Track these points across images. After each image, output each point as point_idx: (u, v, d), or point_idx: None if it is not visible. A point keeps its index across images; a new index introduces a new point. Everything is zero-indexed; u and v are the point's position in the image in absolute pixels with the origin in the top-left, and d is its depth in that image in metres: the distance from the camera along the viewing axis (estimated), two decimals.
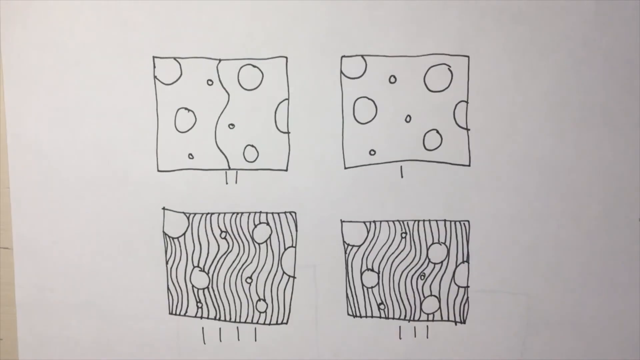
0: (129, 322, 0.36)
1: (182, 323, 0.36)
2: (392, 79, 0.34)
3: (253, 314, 0.36)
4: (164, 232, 0.35)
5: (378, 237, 0.36)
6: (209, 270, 0.36)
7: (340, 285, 0.36)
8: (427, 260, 0.36)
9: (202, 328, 0.36)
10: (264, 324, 0.36)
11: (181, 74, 0.34)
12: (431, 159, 0.35)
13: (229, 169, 0.35)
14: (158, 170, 0.35)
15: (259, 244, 0.36)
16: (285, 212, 0.35)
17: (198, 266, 0.36)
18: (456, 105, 0.35)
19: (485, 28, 0.34)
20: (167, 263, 0.35)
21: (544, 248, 0.35)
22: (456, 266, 0.36)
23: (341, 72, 0.34)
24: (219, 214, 0.35)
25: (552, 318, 0.36)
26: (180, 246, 0.35)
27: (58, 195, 0.35)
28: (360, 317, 0.36)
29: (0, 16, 0.34)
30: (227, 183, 0.35)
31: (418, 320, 0.36)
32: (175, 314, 0.36)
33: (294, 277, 0.36)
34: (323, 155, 0.35)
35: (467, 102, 0.35)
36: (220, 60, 0.34)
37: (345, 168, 0.35)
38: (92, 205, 0.35)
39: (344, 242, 0.36)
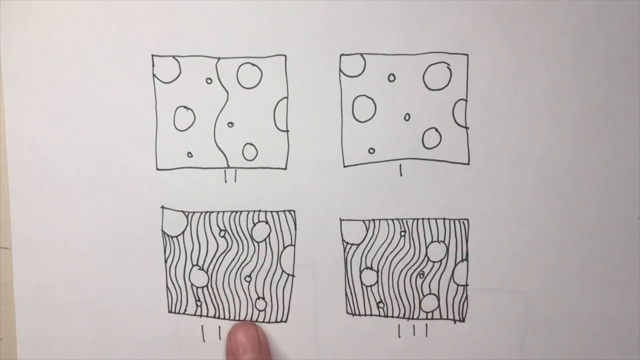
0: (128, 320, 0.36)
1: (181, 321, 0.36)
2: (391, 77, 0.34)
3: (252, 312, 0.36)
4: (162, 230, 0.35)
5: (377, 235, 0.36)
6: (208, 268, 0.36)
7: (340, 284, 0.36)
8: (426, 258, 0.36)
9: (202, 326, 0.36)
10: (263, 322, 0.36)
11: (180, 73, 0.34)
12: (430, 157, 0.35)
13: (228, 167, 0.35)
14: (157, 169, 0.35)
15: (258, 242, 0.36)
16: (284, 211, 0.35)
17: (197, 265, 0.36)
18: (455, 103, 0.35)
19: (484, 26, 0.34)
20: (166, 262, 0.35)
21: (543, 246, 0.35)
22: (455, 264, 0.36)
23: (340, 70, 0.34)
24: (218, 212, 0.35)
25: (551, 316, 0.36)
26: (179, 245, 0.35)
27: (57, 194, 0.35)
28: (359, 315, 0.36)
29: (0, 15, 0.34)
30: (226, 181, 0.35)
31: (417, 318, 0.36)
32: (175, 313, 0.36)
33: (293, 276, 0.36)
34: (322, 153, 0.35)
35: (466, 100, 0.35)
36: (219, 58, 0.34)
37: (345, 166, 0.35)
38: (91, 204, 0.35)
39: (343, 240, 0.36)
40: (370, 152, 0.35)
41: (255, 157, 0.35)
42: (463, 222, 0.35)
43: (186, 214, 0.35)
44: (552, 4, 0.34)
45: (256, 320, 0.36)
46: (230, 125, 0.35)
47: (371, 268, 0.36)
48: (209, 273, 0.36)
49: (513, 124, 0.35)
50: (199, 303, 0.36)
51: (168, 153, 0.35)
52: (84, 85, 0.34)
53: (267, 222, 0.35)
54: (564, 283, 0.36)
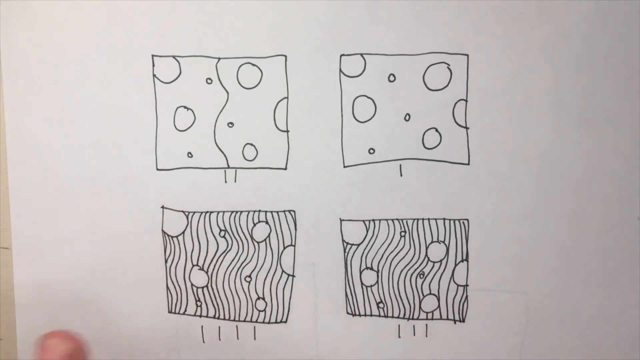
0: (128, 320, 0.36)
1: (181, 322, 0.36)
2: (392, 78, 0.34)
3: (252, 312, 0.36)
4: (163, 230, 0.35)
5: (377, 235, 0.36)
6: (208, 268, 0.36)
7: (340, 284, 0.36)
8: (426, 258, 0.36)
9: (202, 327, 0.36)
10: (263, 322, 0.36)
11: (180, 73, 0.34)
12: (430, 157, 0.35)
13: (228, 167, 0.35)
14: (157, 169, 0.35)
15: (258, 242, 0.36)
16: (284, 211, 0.35)
17: (197, 265, 0.36)
18: (455, 103, 0.35)
19: (484, 27, 0.34)
20: (166, 262, 0.35)
21: (543, 247, 0.35)
22: (455, 265, 0.36)
23: (340, 70, 0.34)
24: (218, 212, 0.35)
25: (551, 317, 0.36)
26: (179, 245, 0.35)
27: (57, 194, 0.35)
28: (359, 315, 0.36)
29: (0, 14, 0.34)
30: (226, 182, 0.35)
31: (417, 319, 0.36)
32: (175, 313, 0.36)
33: (293, 276, 0.36)
34: (322, 153, 0.35)
35: (466, 100, 0.35)
36: (219, 58, 0.34)
37: (345, 167, 0.35)
38: (91, 204, 0.35)
39: (343, 240, 0.36)
40: (370, 152, 0.35)
41: (255, 157, 0.35)
42: (463, 222, 0.35)
43: (186, 214, 0.35)
44: (552, 4, 0.34)
45: (256, 321, 0.36)
46: (230, 125, 0.35)
47: (371, 268, 0.36)
48: (209, 273, 0.36)
49: (513, 124, 0.35)
50: (199, 303, 0.36)
51: (168, 153, 0.35)
52: (84, 85, 0.34)
53: (267, 222, 0.35)
54: (564, 283, 0.36)
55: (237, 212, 0.35)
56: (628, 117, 0.35)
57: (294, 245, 0.36)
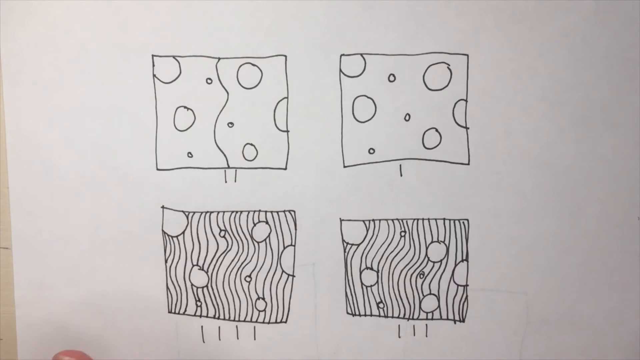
0: (128, 321, 0.36)
1: (181, 321, 0.36)
2: (392, 78, 0.34)
3: (252, 312, 0.36)
4: (163, 230, 0.35)
5: (377, 235, 0.36)
6: (208, 268, 0.36)
7: (340, 284, 0.36)
8: (426, 258, 0.36)
9: (202, 327, 0.36)
10: (263, 322, 0.36)
11: (180, 73, 0.34)
12: (430, 157, 0.35)
13: (228, 167, 0.35)
14: (157, 169, 0.35)
15: (258, 242, 0.36)
16: (284, 211, 0.35)
17: (197, 265, 0.36)
18: (455, 103, 0.35)
19: (484, 26, 0.34)
20: (166, 262, 0.35)
21: (543, 247, 0.35)
22: (455, 265, 0.36)
23: (340, 70, 0.34)
24: (218, 212, 0.35)
25: (551, 317, 0.36)
26: (179, 245, 0.35)
27: (57, 194, 0.35)
28: (360, 315, 0.36)
29: (0, 14, 0.34)
30: (226, 182, 0.35)
31: (417, 319, 0.36)
32: (175, 313, 0.36)
33: (293, 276, 0.36)
34: (322, 153, 0.35)
35: (466, 100, 0.35)
36: (219, 58, 0.34)
37: (345, 167, 0.35)
38: (91, 204, 0.35)
39: (343, 240, 0.36)
40: (370, 152, 0.35)
41: (255, 157, 0.35)
42: (463, 222, 0.35)
43: (186, 214, 0.35)
44: (552, 4, 0.34)
45: (256, 321, 0.36)
46: (230, 125, 0.35)
47: (371, 268, 0.36)
48: (209, 273, 0.36)
49: (513, 124, 0.35)
50: (199, 303, 0.36)
51: (168, 153, 0.35)
52: (84, 85, 0.34)
53: (267, 222, 0.35)
54: (564, 283, 0.36)
55: (237, 212, 0.35)
56: (628, 117, 0.35)
57: (294, 245, 0.36)
